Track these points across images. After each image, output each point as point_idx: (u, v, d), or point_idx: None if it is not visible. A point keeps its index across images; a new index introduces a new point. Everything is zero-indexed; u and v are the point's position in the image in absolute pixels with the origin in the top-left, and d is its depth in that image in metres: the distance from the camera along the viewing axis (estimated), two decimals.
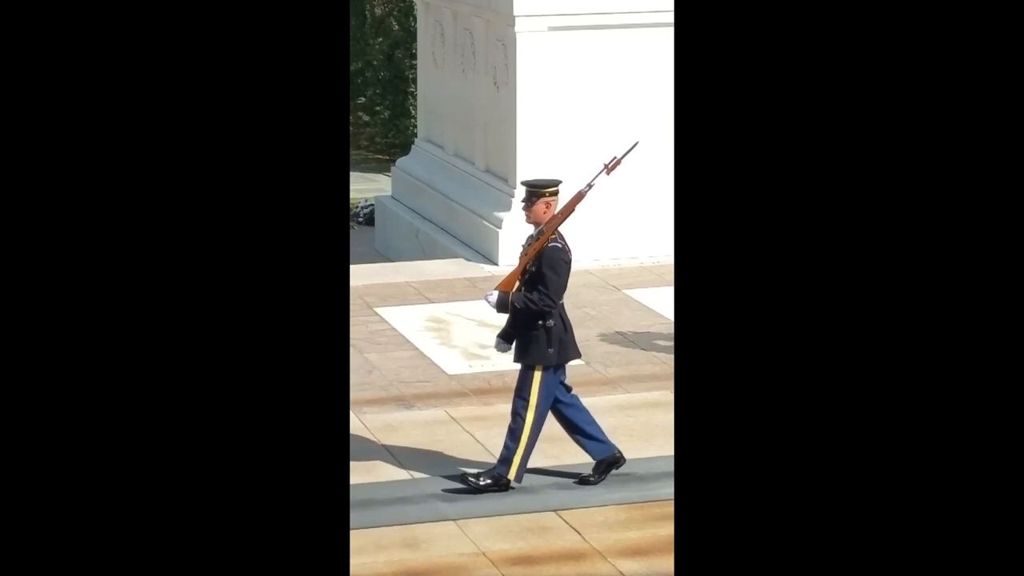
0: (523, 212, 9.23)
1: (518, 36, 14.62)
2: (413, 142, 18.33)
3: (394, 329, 12.63)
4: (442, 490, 9.19)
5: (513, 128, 14.69)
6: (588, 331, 12.40)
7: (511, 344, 9.21)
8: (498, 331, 9.34)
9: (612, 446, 9.31)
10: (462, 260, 14.82)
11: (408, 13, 26.26)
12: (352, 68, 28.10)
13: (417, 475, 9.45)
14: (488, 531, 8.66)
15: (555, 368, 9.12)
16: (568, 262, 9.09)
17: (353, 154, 26.98)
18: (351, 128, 28.91)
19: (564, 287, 9.12)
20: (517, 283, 9.09)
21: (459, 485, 9.18)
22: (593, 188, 9.14)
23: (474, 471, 9.24)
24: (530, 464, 9.41)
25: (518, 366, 9.17)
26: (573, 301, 13.27)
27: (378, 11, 27.90)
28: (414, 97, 24.94)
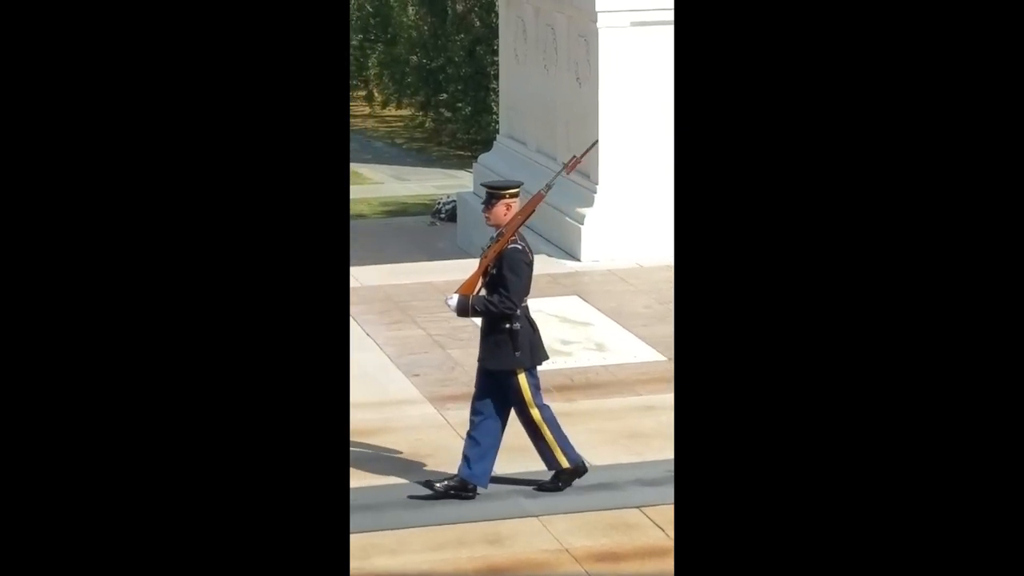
0: (483, 215, 9.10)
1: (600, 32, 14.59)
2: (495, 138, 18.34)
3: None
4: (533, 488, 9.17)
5: (595, 124, 14.65)
6: (672, 327, 12.34)
7: None
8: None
9: (485, 481, 9.00)
10: (544, 256, 14.80)
11: (490, 9, 26.29)
12: (433, 65, 28.17)
13: (499, 471, 9.44)
14: (571, 527, 8.64)
15: (529, 369, 8.97)
16: (529, 264, 8.97)
17: (435, 150, 27.05)
18: (433, 124, 28.97)
19: (526, 289, 8.98)
20: (478, 286, 8.95)
21: (543, 480, 9.17)
22: (552, 189, 9.08)
23: (545, 481, 9.11)
24: (614, 460, 9.39)
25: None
26: (656, 296, 13.26)
27: (460, 7, 27.95)
28: (495, 93, 24.94)
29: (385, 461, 9.70)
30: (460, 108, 27.35)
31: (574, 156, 9.22)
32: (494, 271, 8.88)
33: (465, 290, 8.95)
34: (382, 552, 8.40)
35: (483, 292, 8.94)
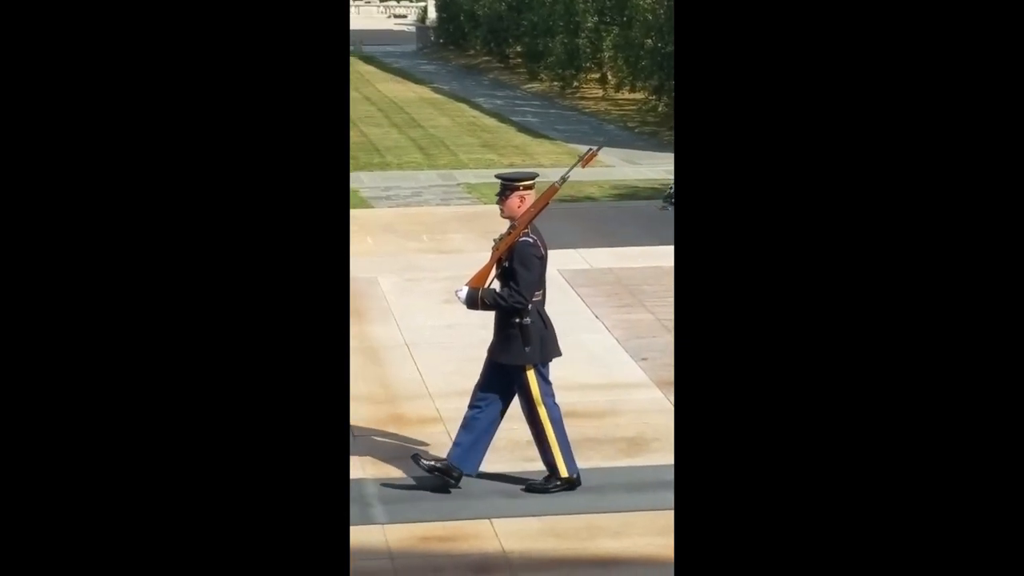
0: (498, 206, 8.88)
1: None
2: None
3: None
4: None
5: None
6: None
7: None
8: None
9: (474, 469, 8.90)
10: None
11: None
12: (668, 48, 28.12)
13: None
14: None
15: (539, 365, 8.80)
16: (541, 257, 8.73)
17: (667, 135, 27.01)
18: (665, 109, 28.94)
19: (537, 283, 8.73)
20: (490, 278, 8.76)
21: None
22: (567, 182, 8.86)
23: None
24: None
25: None
26: None
27: None
28: None
29: (610, 443, 9.75)
30: None
31: (591, 149, 9.06)
32: (506, 264, 8.72)
33: (475, 283, 8.77)
34: (606, 534, 8.45)
35: (495, 285, 8.78)
